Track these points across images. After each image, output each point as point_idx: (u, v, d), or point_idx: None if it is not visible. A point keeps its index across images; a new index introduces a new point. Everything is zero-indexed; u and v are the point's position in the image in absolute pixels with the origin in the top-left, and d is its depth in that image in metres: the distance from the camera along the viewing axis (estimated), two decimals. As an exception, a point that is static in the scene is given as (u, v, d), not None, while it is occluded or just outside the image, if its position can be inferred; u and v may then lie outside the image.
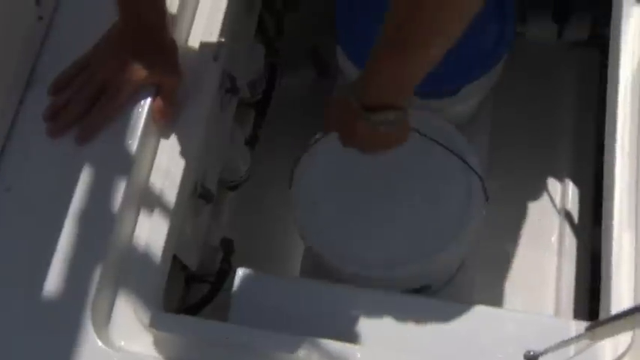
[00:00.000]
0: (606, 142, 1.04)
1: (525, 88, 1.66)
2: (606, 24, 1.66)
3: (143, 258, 0.96)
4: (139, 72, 0.99)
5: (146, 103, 1.01)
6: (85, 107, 0.99)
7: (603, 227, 0.97)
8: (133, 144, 0.98)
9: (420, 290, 1.27)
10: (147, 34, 0.99)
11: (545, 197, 1.58)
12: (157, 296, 0.95)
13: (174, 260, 1.16)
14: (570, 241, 1.52)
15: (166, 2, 0.99)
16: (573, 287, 1.45)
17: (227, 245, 1.34)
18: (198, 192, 1.15)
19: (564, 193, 1.58)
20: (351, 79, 1.39)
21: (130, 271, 0.95)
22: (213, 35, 1.09)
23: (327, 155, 1.25)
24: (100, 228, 0.94)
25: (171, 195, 0.99)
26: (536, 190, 1.60)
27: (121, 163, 0.97)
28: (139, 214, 0.99)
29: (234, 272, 1.13)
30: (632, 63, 1.05)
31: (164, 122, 1.02)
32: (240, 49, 1.29)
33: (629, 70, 1.05)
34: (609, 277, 0.90)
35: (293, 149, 1.67)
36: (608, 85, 1.08)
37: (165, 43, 1.01)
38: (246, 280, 1.12)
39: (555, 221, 1.56)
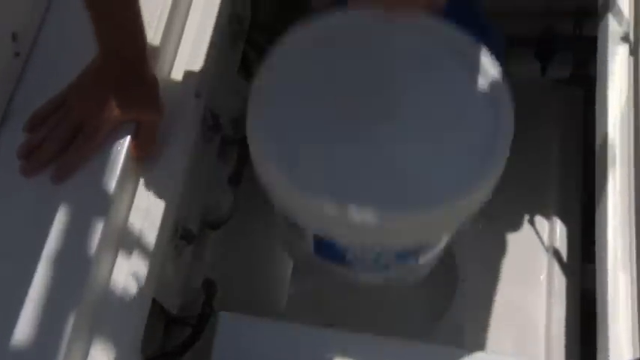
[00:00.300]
0: (597, 180, 1.02)
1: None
2: (589, 63, 1.70)
3: (120, 303, 0.92)
4: (117, 109, 0.96)
5: (125, 141, 0.97)
6: (61, 146, 0.96)
7: (597, 268, 0.95)
8: (111, 183, 0.94)
9: (405, 257, 1.00)
10: (126, 69, 0.96)
11: (532, 235, 1.56)
12: (135, 343, 0.91)
13: (154, 303, 1.11)
14: (559, 280, 1.49)
15: (147, 36, 0.96)
16: (564, 327, 1.42)
17: (209, 287, 1.30)
18: (180, 233, 1.11)
19: (552, 230, 1.56)
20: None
21: (107, 317, 0.90)
22: (195, 70, 1.07)
23: (300, 59, 0.89)
24: (76, 271, 0.89)
25: (150, 236, 0.95)
26: (524, 227, 1.58)
27: (98, 203, 0.93)
28: (116, 257, 0.94)
29: (217, 315, 1.09)
30: (619, 101, 1.04)
31: (143, 159, 0.99)
32: (223, 85, 1.27)
33: (617, 108, 1.04)
34: (606, 323, 0.87)
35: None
36: (597, 123, 1.08)
37: (145, 78, 0.98)
38: (228, 323, 1.08)
39: (544, 259, 1.54)
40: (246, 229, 1.56)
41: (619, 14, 1.08)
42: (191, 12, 1.12)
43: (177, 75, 1.08)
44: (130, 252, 0.94)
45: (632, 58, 1.06)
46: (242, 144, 1.50)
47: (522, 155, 1.66)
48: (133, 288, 0.92)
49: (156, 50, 1.04)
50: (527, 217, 1.58)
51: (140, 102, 0.98)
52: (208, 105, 1.14)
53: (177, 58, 1.10)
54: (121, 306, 0.92)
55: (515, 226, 1.57)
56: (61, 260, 0.90)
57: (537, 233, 1.56)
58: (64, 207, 0.93)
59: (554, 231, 1.56)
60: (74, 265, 0.90)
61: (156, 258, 0.96)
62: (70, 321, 0.86)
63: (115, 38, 0.94)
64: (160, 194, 0.98)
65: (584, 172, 1.60)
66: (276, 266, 1.50)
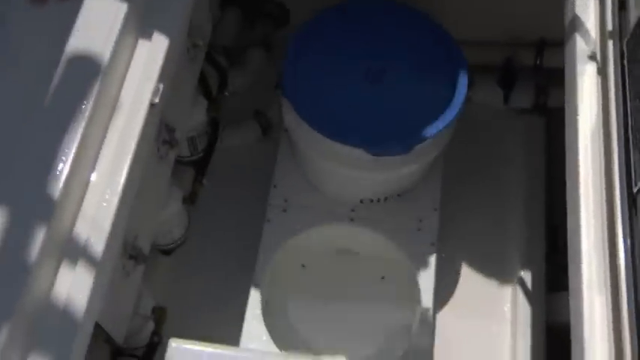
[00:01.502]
0: (569, 203, 0.99)
1: (474, 153, 1.63)
2: (549, 92, 1.70)
3: (62, 318, 0.83)
4: None
5: (73, 143, 0.89)
6: None
7: (571, 293, 0.90)
8: (57, 185, 0.86)
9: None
10: None
11: (497, 265, 1.52)
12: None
13: (99, 330, 1.03)
14: (524, 311, 1.45)
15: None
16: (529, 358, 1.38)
17: (159, 314, 1.21)
18: (129, 252, 1.03)
19: (515, 259, 1.52)
20: (296, 134, 1.33)
21: (45, 333, 0.81)
22: (150, 81, 1.00)
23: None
24: (11, 281, 0.80)
25: (98, 246, 0.87)
26: (488, 257, 1.54)
27: (41, 207, 0.85)
28: (59, 268, 0.86)
29: (166, 345, 1.01)
30: (590, 120, 1.02)
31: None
32: (181, 100, 1.21)
33: (587, 127, 1.01)
34: (582, 349, 0.82)
35: (232, 212, 1.60)
36: (567, 144, 1.04)
37: None
38: (179, 352, 1.00)
39: (508, 290, 1.50)
40: (199, 256, 1.49)
41: (585, 34, 1.07)
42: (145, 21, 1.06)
43: (131, 84, 1.01)
44: (74, 263, 0.86)
45: (599, 77, 1.05)
46: (198, 165, 1.43)
47: (486, 183, 1.65)
48: (76, 302, 0.84)
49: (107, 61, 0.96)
50: (491, 247, 1.55)
51: None
52: (164, 118, 1.08)
53: (131, 70, 1.03)
54: (61, 322, 0.83)
55: (479, 255, 1.54)
56: None
57: (501, 263, 1.52)
58: (4, 209, 0.84)
59: (518, 260, 1.52)
60: (10, 274, 0.81)
61: (102, 271, 0.87)
62: (2, 335, 0.77)
63: None
64: (108, 203, 0.90)
65: (547, 200, 1.58)
66: (229, 293, 1.43)
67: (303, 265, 1.52)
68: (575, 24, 1.09)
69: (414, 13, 1.35)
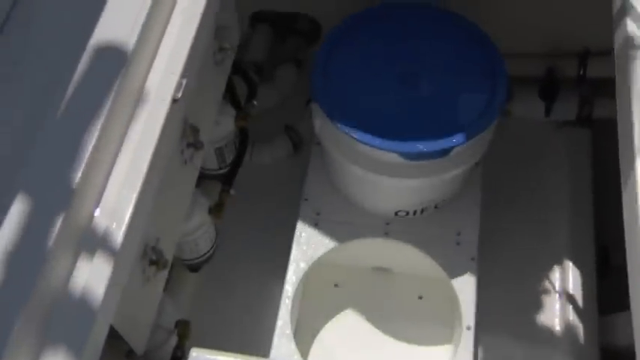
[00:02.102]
0: (625, 212, 0.89)
1: (515, 166, 1.55)
2: (594, 103, 1.62)
3: (77, 309, 0.78)
4: None
5: (95, 130, 0.85)
6: None
7: (634, 311, 0.81)
8: (76, 173, 0.81)
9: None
10: None
11: (542, 283, 1.43)
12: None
13: (117, 341, 0.97)
14: (575, 333, 1.34)
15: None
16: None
17: (183, 328, 1.15)
18: (149, 256, 0.98)
19: (562, 279, 1.42)
20: (326, 140, 1.28)
21: (58, 325, 0.76)
22: (174, 75, 0.96)
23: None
24: (26, 269, 0.76)
25: (116, 238, 0.82)
26: (532, 274, 1.44)
27: (60, 195, 0.80)
28: (77, 257, 0.81)
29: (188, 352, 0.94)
30: None
31: None
32: (207, 104, 1.17)
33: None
34: None
35: (262, 228, 1.54)
36: (620, 142, 0.96)
37: None
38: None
39: (555, 310, 1.39)
40: (227, 272, 1.43)
41: (638, 19, 1.00)
42: (172, 18, 1.03)
43: (154, 77, 0.97)
44: (92, 253, 0.81)
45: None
46: (225, 177, 1.38)
47: (529, 198, 1.57)
48: (93, 292, 0.78)
49: (130, 52, 0.93)
50: (535, 265, 1.45)
51: None
52: (188, 117, 1.03)
53: (155, 63, 0.99)
54: (77, 312, 0.78)
55: (524, 271, 1.44)
56: (10, 256, 0.77)
57: (549, 279, 1.42)
58: (23, 197, 0.80)
59: (567, 278, 1.42)
60: (26, 262, 0.76)
61: (121, 264, 0.82)
62: (14, 325, 0.72)
63: None
64: (128, 195, 0.85)
65: (596, 217, 1.48)
66: (257, 310, 1.36)
67: (336, 285, 1.45)
68: (626, 6, 1.01)
69: (449, 15, 1.29)
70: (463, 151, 1.20)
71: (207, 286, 1.42)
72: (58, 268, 0.78)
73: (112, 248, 0.82)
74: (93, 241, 0.82)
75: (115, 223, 0.83)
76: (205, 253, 1.34)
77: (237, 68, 1.37)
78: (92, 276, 0.79)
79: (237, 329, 1.35)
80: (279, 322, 1.31)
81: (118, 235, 0.82)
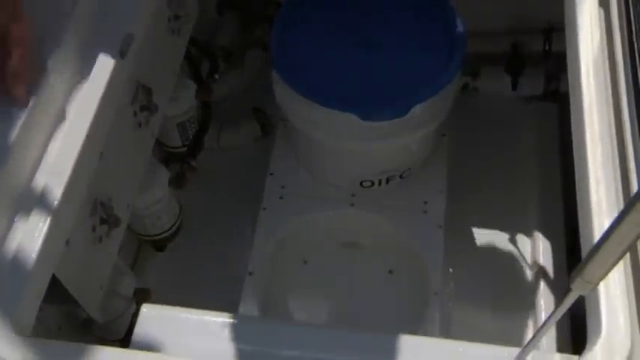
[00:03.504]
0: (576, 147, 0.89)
1: (482, 140, 1.55)
2: (560, 78, 1.63)
3: (10, 268, 0.76)
4: None
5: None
6: None
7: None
8: (13, 130, 0.80)
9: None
10: None
11: (515, 253, 1.41)
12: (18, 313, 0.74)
13: (74, 309, 0.95)
14: (546, 298, 1.32)
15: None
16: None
17: (142, 296, 1.13)
18: (99, 213, 0.96)
19: (535, 247, 1.41)
20: (286, 107, 1.27)
21: None
22: (121, 29, 0.96)
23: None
24: None
25: (55, 192, 0.80)
26: (505, 245, 1.43)
27: None
28: (14, 216, 0.79)
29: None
30: (592, 49, 0.94)
31: (23, 91, 0.81)
32: (163, 71, 1.16)
33: (590, 56, 0.93)
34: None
35: (229, 208, 1.53)
36: (570, 81, 0.96)
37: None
38: (151, 317, 0.91)
39: (528, 277, 1.38)
40: (192, 250, 1.40)
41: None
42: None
43: (98, 39, 0.96)
44: (28, 212, 0.79)
45: (601, 10, 0.97)
46: (189, 150, 1.37)
47: (498, 172, 1.56)
48: (27, 250, 0.77)
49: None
50: (507, 236, 1.44)
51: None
52: (139, 76, 1.03)
53: (102, 22, 0.98)
54: (10, 272, 0.76)
55: (497, 243, 1.43)
56: None
57: (519, 251, 1.41)
58: None
59: (537, 249, 1.41)
60: None
61: (60, 218, 0.80)
62: None
63: None
64: (69, 150, 0.84)
65: (564, 186, 1.47)
66: (225, 289, 1.33)
67: (305, 262, 1.43)
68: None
69: None
70: (422, 113, 1.20)
71: (173, 265, 1.40)
72: None
73: (50, 201, 0.80)
74: (31, 197, 0.80)
75: (54, 178, 0.81)
76: (169, 229, 1.32)
77: (195, 41, 1.37)
78: (29, 230, 0.78)
79: (202, 307, 1.32)
80: (243, 302, 1.29)
81: (57, 189, 0.81)
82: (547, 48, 1.59)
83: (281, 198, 1.37)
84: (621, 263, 0.74)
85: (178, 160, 1.40)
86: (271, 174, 1.40)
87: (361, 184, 1.35)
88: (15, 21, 0.81)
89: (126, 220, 1.05)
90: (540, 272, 1.40)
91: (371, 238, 1.39)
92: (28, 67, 0.81)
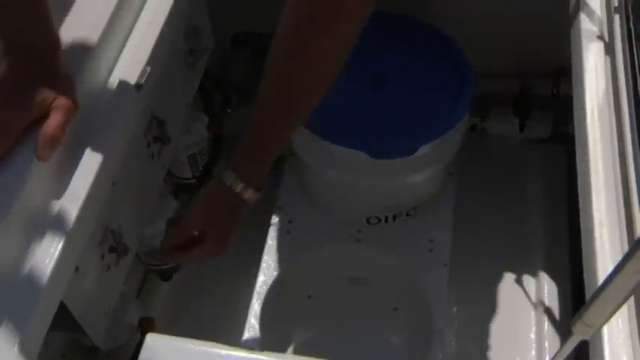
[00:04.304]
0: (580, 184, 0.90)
1: (489, 180, 1.56)
2: (568, 121, 1.64)
3: (23, 286, 0.77)
4: (29, 105, 0.81)
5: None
6: None
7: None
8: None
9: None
10: (33, 63, 0.82)
11: (520, 293, 1.41)
12: (25, 338, 0.74)
13: (79, 337, 0.96)
14: (551, 338, 1.32)
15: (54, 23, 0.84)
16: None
17: (146, 325, 1.13)
18: (109, 242, 0.97)
19: (539, 288, 1.41)
20: (295, 142, 1.29)
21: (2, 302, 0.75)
22: (138, 65, 0.99)
23: None
24: None
25: (69, 218, 0.82)
26: (510, 285, 1.43)
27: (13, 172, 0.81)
28: (28, 237, 0.81)
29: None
30: (597, 95, 0.96)
31: (51, 152, 0.81)
32: (176, 104, 1.19)
33: (595, 103, 0.95)
34: None
35: (237, 246, 1.52)
36: (576, 124, 0.98)
37: (57, 72, 0.84)
38: (155, 347, 0.91)
39: (532, 317, 1.37)
40: (197, 281, 1.41)
41: (591, 13, 1.02)
42: (142, 13, 1.06)
43: (117, 75, 0.99)
44: (42, 234, 0.81)
45: (607, 57, 0.99)
46: (198, 181, 1.39)
47: (503, 213, 1.57)
48: (38, 274, 0.78)
49: (95, 45, 0.95)
50: (513, 276, 1.44)
51: (52, 98, 0.82)
52: (153, 108, 1.05)
53: (121, 58, 1.02)
54: (22, 290, 0.77)
55: (502, 284, 1.43)
56: None
57: (525, 291, 1.41)
58: None
59: (543, 289, 1.40)
60: None
61: (71, 244, 0.82)
62: None
63: (17, 27, 0.81)
64: (85, 175, 0.86)
65: (570, 228, 1.48)
66: (226, 322, 1.34)
67: (309, 296, 1.43)
68: (580, 3, 1.05)
69: (420, 23, 1.33)
70: (430, 151, 1.21)
71: (178, 295, 1.41)
72: (6, 243, 0.78)
73: (64, 227, 0.82)
74: (45, 220, 0.82)
75: (70, 204, 0.83)
76: (176, 259, 1.33)
77: (209, 75, 1.40)
78: (41, 254, 0.79)
79: (206, 338, 1.32)
80: (246, 335, 1.29)
81: (72, 216, 0.82)
82: (555, 91, 1.61)
83: (288, 232, 1.38)
84: (625, 307, 0.75)
85: (187, 191, 1.42)
86: (279, 208, 1.41)
87: (368, 220, 1.36)
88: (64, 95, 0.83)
89: (134, 249, 1.06)
90: (545, 313, 1.40)
91: (376, 274, 1.40)
92: (62, 135, 0.82)
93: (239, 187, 0.93)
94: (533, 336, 1.36)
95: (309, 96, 0.89)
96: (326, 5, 0.80)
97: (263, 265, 1.35)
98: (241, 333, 1.30)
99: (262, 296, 1.32)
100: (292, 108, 0.90)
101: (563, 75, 1.59)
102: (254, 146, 0.93)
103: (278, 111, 0.90)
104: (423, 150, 1.20)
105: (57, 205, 0.84)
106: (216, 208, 0.98)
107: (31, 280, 0.79)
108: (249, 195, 0.95)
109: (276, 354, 0.87)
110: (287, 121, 0.92)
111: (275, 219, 1.40)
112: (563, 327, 1.35)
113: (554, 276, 1.42)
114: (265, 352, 0.87)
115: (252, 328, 1.30)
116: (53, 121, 0.82)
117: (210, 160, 1.39)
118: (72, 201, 0.84)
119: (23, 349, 0.74)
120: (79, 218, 0.83)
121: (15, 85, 0.82)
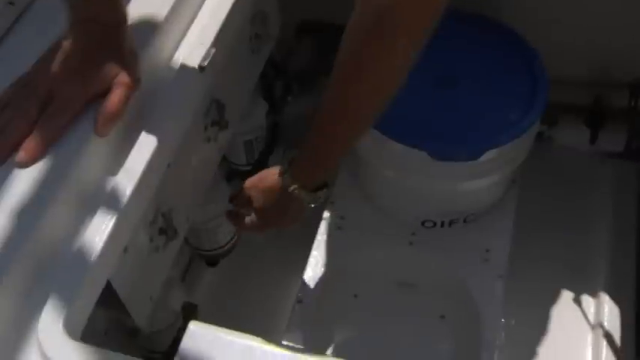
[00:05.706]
0: None
1: (554, 194, 1.49)
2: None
3: (72, 260, 0.76)
4: (90, 82, 0.82)
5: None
6: (28, 125, 0.80)
7: None
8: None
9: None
10: (99, 39, 0.82)
11: (578, 314, 1.34)
12: (76, 317, 0.74)
13: (122, 318, 0.95)
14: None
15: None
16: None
17: (189, 311, 1.11)
18: (159, 224, 0.96)
19: (599, 310, 1.33)
20: (362, 143, 1.25)
21: (52, 273, 0.75)
22: (203, 46, 0.97)
23: None
24: (23, 221, 0.75)
25: (124, 195, 0.81)
26: (569, 305, 1.36)
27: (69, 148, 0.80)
28: (81, 213, 0.80)
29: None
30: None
31: (109, 128, 0.82)
32: (237, 85, 1.16)
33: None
34: None
35: (287, 238, 1.50)
36: None
37: (122, 48, 0.84)
38: (198, 336, 0.89)
39: (588, 341, 1.30)
40: (244, 271, 1.39)
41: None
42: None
43: (181, 55, 0.98)
44: (94, 209, 0.79)
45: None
46: (254, 170, 1.37)
47: (569, 226, 1.50)
48: (92, 244, 0.77)
49: (161, 23, 0.94)
50: (571, 294, 1.37)
51: (115, 73, 0.83)
52: (214, 92, 1.03)
53: (186, 38, 1.00)
54: (71, 264, 0.76)
55: (558, 302, 1.36)
56: (9, 207, 0.76)
57: (582, 311, 1.34)
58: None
59: (603, 310, 1.33)
60: (22, 214, 0.76)
61: (123, 222, 0.80)
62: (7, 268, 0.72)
63: (89, 3, 0.82)
64: (142, 153, 0.85)
65: (638, 250, 1.40)
66: (270, 314, 1.31)
67: (355, 295, 1.39)
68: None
69: (496, 24, 1.27)
70: (495, 157, 1.16)
71: (222, 282, 1.39)
72: (59, 218, 0.78)
73: (118, 204, 0.81)
74: (99, 196, 0.81)
75: (125, 180, 0.82)
76: (224, 246, 1.31)
77: (273, 62, 1.37)
78: (92, 231, 0.78)
79: (248, 328, 1.30)
80: (288, 329, 1.27)
81: (127, 192, 0.81)
82: (633, 104, 1.52)
83: (339, 228, 1.34)
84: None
85: (241, 177, 1.40)
86: (332, 202, 1.38)
87: (423, 223, 1.31)
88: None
89: (183, 232, 1.05)
90: (605, 337, 1.32)
91: (426, 279, 1.35)
92: (122, 112, 0.82)
93: (292, 187, 0.93)
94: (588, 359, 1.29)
95: (372, 107, 0.86)
96: (390, 18, 0.74)
97: (311, 260, 1.32)
98: (283, 327, 1.27)
99: (308, 292, 1.29)
100: (357, 116, 0.87)
101: (642, 87, 1.51)
102: (314, 150, 0.91)
103: (340, 117, 0.86)
104: (488, 155, 1.15)
105: (111, 183, 0.82)
106: (269, 191, 1.00)
107: (80, 256, 0.77)
108: (305, 196, 0.94)
109: (318, 356, 0.85)
110: (350, 128, 0.88)
111: (327, 214, 1.36)
112: (622, 353, 1.27)
113: (616, 299, 1.34)
114: (307, 355, 0.84)
115: (294, 322, 1.27)
116: (114, 98, 0.81)
117: (266, 148, 1.37)
118: (127, 179, 0.82)
119: (68, 324, 0.73)
120: (132, 197, 0.82)
121: (79, 58, 0.81)
